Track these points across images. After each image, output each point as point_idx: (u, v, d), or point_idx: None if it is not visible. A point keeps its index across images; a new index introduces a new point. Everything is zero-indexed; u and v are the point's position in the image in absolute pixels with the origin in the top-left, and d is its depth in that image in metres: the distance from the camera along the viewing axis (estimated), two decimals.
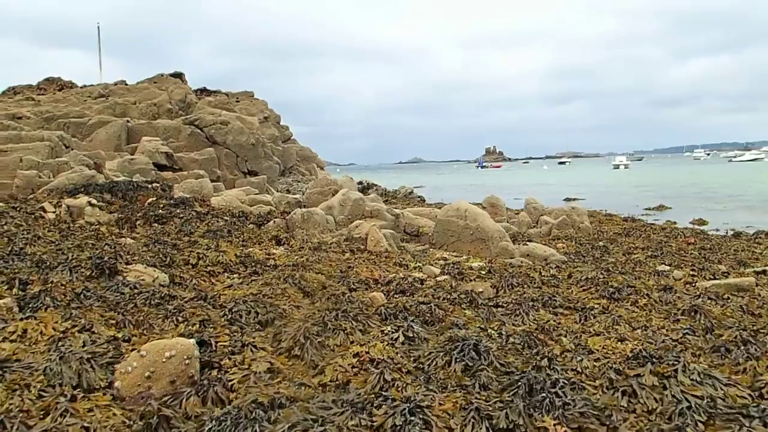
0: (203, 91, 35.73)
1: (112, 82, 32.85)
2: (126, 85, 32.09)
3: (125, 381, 4.34)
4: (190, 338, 4.94)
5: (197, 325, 5.59)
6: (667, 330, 6.03)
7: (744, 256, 11.92)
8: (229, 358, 4.84)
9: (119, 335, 5.15)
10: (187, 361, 4.51)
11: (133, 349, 4.71)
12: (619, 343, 5.26)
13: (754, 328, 5.91)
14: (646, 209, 27.18)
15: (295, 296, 7.20)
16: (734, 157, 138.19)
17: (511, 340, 5.28)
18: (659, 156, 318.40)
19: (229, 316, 6.00)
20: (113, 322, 5.48)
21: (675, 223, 20.71)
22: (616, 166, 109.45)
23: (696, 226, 19.93)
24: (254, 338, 5.30)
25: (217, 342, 5.11)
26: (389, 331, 5.39)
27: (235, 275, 8.28)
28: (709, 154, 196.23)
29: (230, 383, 4.45)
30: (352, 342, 5.30)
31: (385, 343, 5.02)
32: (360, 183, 33.88)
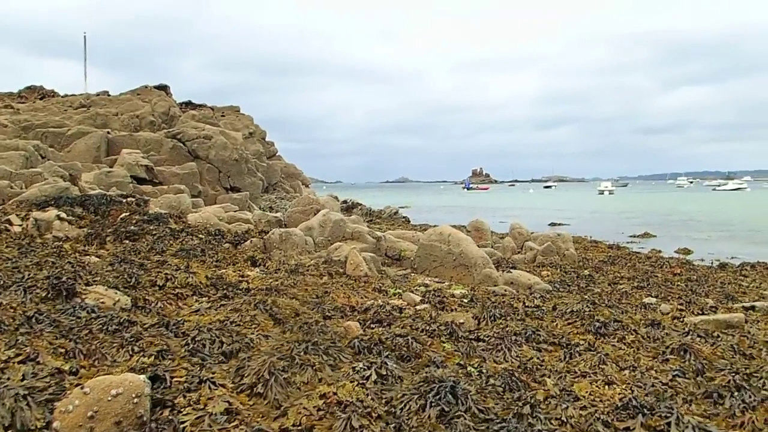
0: (188, 105, 35.26)
1: (96, 92, 32.39)
2: (109, 95, 31.48)
3: (65, 421, 3.91)
4: (142, 372, 4.53)
5: (153, 357, 5.17)
6: (656, 371, 5.70)
7: (731, 290, 11.67)
8: (184, 396, 4.42)
9: (66, 367, 4.71)
10: (135, 400, 4.09)
11: (78, 384, 4.29)
12: (607, 387, 4.91)
13: (747, 371, 5.60)
14: (631, 236, 27.04)
15: (265, 324, 6.79)
16: (718, 185, 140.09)
17: (492, 381, 4.91)
18: (643, 182, 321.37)
19: (191, 345, 5.58)
20: (62, 350, 5.05)
21: (660, 251, 20.51)
22: (601, 192, 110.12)
23: (681, 256, 19.75)
24: (214, 373, 4.88)
25: (172, 377, 4.69)
26: (361, 368, 5.00)
27: (204, 298, 7.86)
28: (692, 182, 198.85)
29: (182, 426, 4.04)
30: (320, 380, 4.90)
31: (356, 383, 4.63)
32: (344, 202, 33.52)
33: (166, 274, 8.29)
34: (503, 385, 4.83)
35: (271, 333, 6.45)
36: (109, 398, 4.01)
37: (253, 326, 6.61)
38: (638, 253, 19.61)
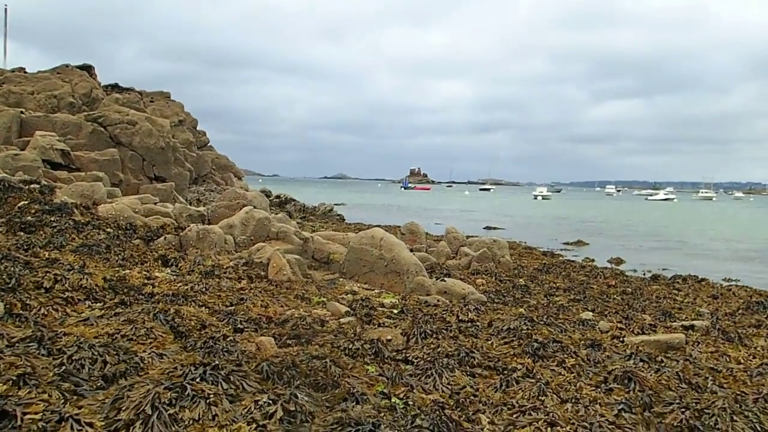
0: (114, 88, 33.28)
1: (11, 69, 30.04)
2: (25, 73, 29.31)
3: None
4: None
5: (11, 383, 4.22)
6: (600, 404, 5.11)
7: (666, 305, 11.39)
8: None
9: None
10: None
11: None
12: (550, 429, 4.27)
13: (698, 406, 5.09)
14: (564, 243, 26.99)
15: (164, 339, 5.88)
16: (649, 195, 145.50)
17: (418, 421, 4.18)
18: (575, 189, 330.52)
19: (65, 367, 4.64)
20: None
21: (593, 260, 20.40)
22: (536, 197, 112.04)
23: (614, 266, 19.66)
24: (81, 408, 3.98)
25: (25, 413, 3.77)
26: (265, 402, 4.20)
27: (98, 304, 6.88)
28: (620, 191, 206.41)
29: None
30: (214, 417, 4.06)
31: (254, 425, 3.83)
32: (278, 197, 32.43)
33: (55, 274, 7.25)
34: (431, 427, 4.11)
35: (168, 350, 5.57)
36: None
37: (149, 341, 5.71)
38: (572, 261, 19.41)
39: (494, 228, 33.92)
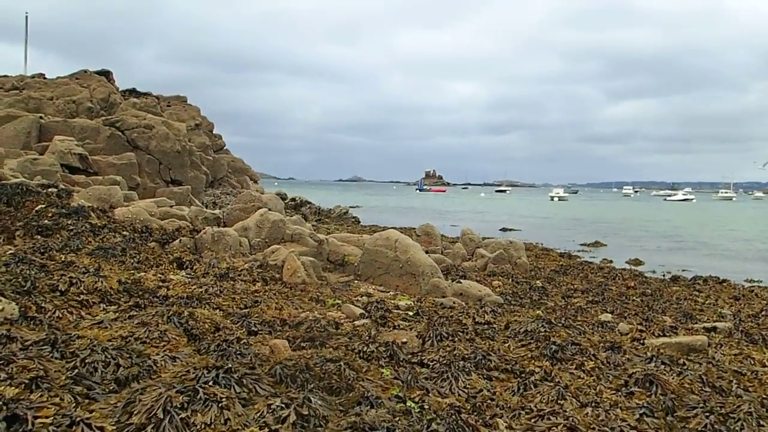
0: (132, 92, 33.56)
1: (31, 75, 30.40)
2: (44, 78, 29.67)
3: None
4: None
5: (23, 386, 4.19)
6: (621, 408, 4.99)
7: (688, 307, 11.20)
8: None
9: None
10: None
11: None
12: None
13: (722, 411, 4.95)
14: (582, 245, 26.73)
15: (178, 341, 5.84)
16: (668, 196, 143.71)
17: (434, 426, 4.09)
18: (591, 190, 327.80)
19: (78, 369, 4.62)
20: None
21: (611, 262, 20.18)
22: (553, 198, 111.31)
23: (633, 267, 19.42)
24: (92, 412, 3.94)
25: (36, 417, 3.74)
26: (278, 406, 4.13)
27: (112, 307, 6.88)
28: (637, 192, 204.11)
29: None
30: (226, 421, 4.00)
31: (267, 430, 3.76)
32: (293, 200, 32.50)
33: (71, 277, 7.25)
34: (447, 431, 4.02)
35: (181, 353, 5.52)
36: None
37: (162, 344, 5.67)
38: (590, 263, 19.20)
39: (510, 229, 33.72)
